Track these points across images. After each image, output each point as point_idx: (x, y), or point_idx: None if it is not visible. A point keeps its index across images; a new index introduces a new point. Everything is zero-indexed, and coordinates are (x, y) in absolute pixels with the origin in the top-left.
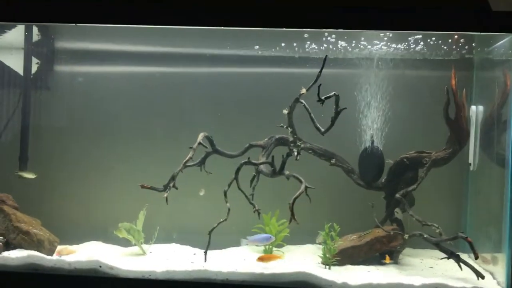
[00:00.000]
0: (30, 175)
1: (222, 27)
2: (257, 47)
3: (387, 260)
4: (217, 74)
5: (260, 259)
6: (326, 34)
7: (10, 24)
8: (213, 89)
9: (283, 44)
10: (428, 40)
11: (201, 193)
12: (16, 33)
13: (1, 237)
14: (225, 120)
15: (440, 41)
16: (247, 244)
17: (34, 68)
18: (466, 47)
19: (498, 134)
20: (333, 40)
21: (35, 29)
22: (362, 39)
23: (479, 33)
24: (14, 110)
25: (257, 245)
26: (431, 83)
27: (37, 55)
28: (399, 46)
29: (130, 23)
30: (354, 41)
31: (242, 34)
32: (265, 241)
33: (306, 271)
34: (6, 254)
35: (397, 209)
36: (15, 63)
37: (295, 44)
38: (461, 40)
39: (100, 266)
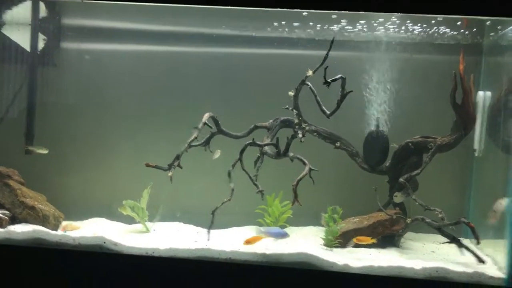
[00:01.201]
0: (42, 150)
1: (236, 7)
2: (269, 29)
3: (362, 240)
4: (224, 55)
5: (247, 242)
6: (334, 16)
7: None
8: (220, 70)
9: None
10: (437, 24)
11: (216, 155)
12: (23, 9)
13: (7, 212)
14: (230, 100)
15: (448, 25)
16: (261, 234)
17: (40, 44)
18: (475, 31)
19: (505, 120)
20: (343, 22)
21: (42, 5)
22: (372, 22)
23: (488, 17)
24: (21, 86)
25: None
26: (438, 67)
27: (44, 31)
28: (407, 29)
29: (137, 1)
30: (362, 24)
31: (251, 14)
32: (280, 237)
33: (308, 252)
34: (11, 228)
35: (396, 193)
36: (22, 38)
37: (302, 25)
38: (470, 24)
39: (104, 242)
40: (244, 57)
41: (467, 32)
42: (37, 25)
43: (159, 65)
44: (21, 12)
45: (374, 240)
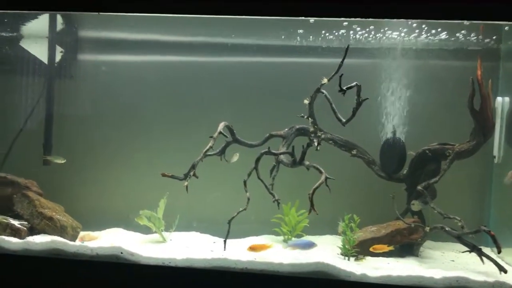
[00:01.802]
0: (59, 160)
1: (248, 16)
2: (283, 37)
3: (378, 249)
4: (238, 64)
5: (251, 248)
6: (346, 23)
7: (34, 13)
8: (234, 79)
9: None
10: (453, 30)
11: (235, 159)
12: (41, 22)
13: (26, 222)
14: (245, 109)
15: (465, 31)
16: (288, 248)
17: (58, 57)
18: (493, 37)
19: None
20: (357, 29)
21: (59, 18)
22: (386, 28)
23: (507, 22)
24: (39, 98)
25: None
26: (455, 73)
27: (61, 44)
28: (423, 35)
29: (152, 12)
30: (377, 30)
31: (265, 23)
32: (307, 247)
33: (325, 261)
34: (30, 239)
35: (413, 201)
36: (40, 51)
37: (319, 33)
38: (487, 30)
39: (122, 253)
40: (258, 65)
41: (483, 38)
42: (54, 38)
43: (174, 75)
44: (39, 25)
45: (391, 248)
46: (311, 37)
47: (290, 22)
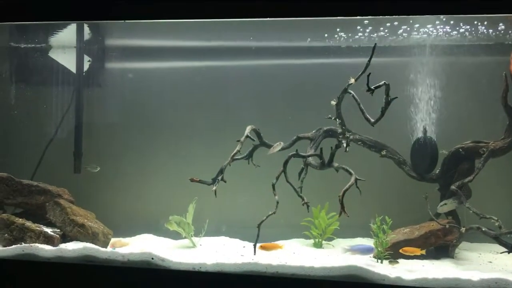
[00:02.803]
0: (93, 169)
1: (274, 18)
2: (309, 39)
3: (409, 251)
4: (264, 67)
5: (262, 247)
6: (374, 22)
7: (62, 23)
8: (261, 82)
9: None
10: (483, 24)
11: (278, 148)
12: (68, 32)
13: (58, 230)
14: (272, 112)
15: (496, 25)
16: (347, 252)
17: (86, 66)
18: None
19: None
20: (385, 27)
21: (86, 28)
22: (417, 25)
23: None
24: (68, 107)
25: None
26: (488, 69)
27: (89, 53)
28: (453, 31)
29: (177, 18)
30: (406, 28)
31: (290, 25)
32: (367, 252)
33: (358, 265)
34: (63, 246)
35: (442, 202)
36: (68, 61)
37: (343, 34)
38: None
39: (152, 258)
40: (284, 67)
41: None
42: (82, 47)
43: (202, 80)
44: (67, 35)
45: (423, 252)
46: (338, 36)
47: (316, 22)
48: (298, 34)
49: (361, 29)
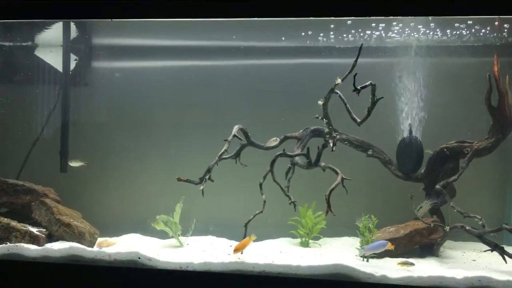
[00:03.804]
0: (79, 163)
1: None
2: (284, 38)
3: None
4: (251, 67)
5: (236, 250)
6: (357, 22)
7: (49, 22)
8: (248, 82)
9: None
10: (468, 26)
11: (274, 143)
12: (55, 31)
13: (44, 230)
14: (259, 112)
15: (481, 27)
16: (364, 254)
17: (72, 65)
18: (509, 31)
19: None
20: (371, 28)
21: (73, 26)
22: (400, 25)
23: None
24: (54, 106)
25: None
26: (472, 70)
27: (75, 51)
28: (438, 32)
29: (165, 17)
30: (391, 28)
31: (278, 25)
32: (382, 248)
33: (344, 263)
34: (48, 245)
35: (425, 202)
36: (54, 60)
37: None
38: (504, 25)
39: (139, 258)
40: (271, 68)
41: (499, 32)
42: (68, 46)
43: (189, 80)
44: (53, 34)
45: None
46: (320, 37)
47: (302, 22)
48: (288, 33)
49: (347, 30)
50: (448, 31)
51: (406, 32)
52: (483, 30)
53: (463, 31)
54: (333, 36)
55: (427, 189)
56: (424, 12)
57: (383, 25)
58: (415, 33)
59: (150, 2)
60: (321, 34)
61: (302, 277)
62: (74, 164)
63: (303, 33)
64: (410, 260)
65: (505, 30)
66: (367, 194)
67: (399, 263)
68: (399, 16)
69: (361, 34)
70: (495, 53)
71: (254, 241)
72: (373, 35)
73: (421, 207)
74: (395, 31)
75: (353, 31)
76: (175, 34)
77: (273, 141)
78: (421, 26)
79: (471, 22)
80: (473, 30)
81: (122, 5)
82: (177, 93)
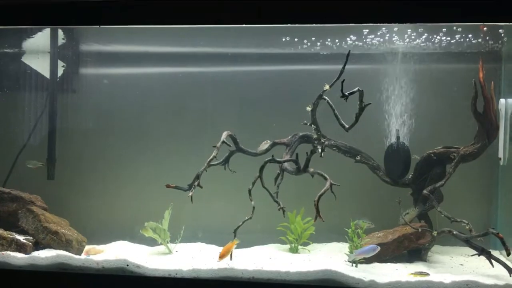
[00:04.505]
0: (35, 165)
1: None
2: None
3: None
4: (239, 73)
5: (221, 256)
6: (346, 29)
7: (36, 28)
8: (236, 88)
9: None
10: (454, 32)
11: (265, 146)
12: (42, 37)
13: (31, 237)
14: (248, 118)
15: (466, 33)
16: (354, 259)
17: (60, 71)
18: (494, 38)
19: None
20: (356, 35)
21: (60, 33)
22: (386, 32)
23: (506, 23)
24: (41, 113)
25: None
26: (458, 76)
27: (63, 58)
28: (423, 39)
29: (153, 24)
30: (377, 36)
31: (265, 31)
32: (372, 252)
33: (333, 269)
34: (35, 254)
35: (412, 209)
36: (42, 66)
37: (318, 41)
38: (488, 31)
39: (127, 265)
40: (259, 74)
41: (484, 39)
42: (56, 53)
43: (177, 86)
44: (40, 40)
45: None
46: (310, 43)
47: (292, 29)
48: (274, 40)
49: (334, 37)
50: (434, 37)
51: (392, 38)
52: (469, 36)
53: (448, 38)
54: (319, 43)
55: (415, 194)
56: (410, 19)
57: (367, 30)
58: (400, 40)
59: (139, 8)
60: (312, 39)
61: (291, 283)
62: (31, 165)
63: (296, 39)
64: (399, 265)
65: (490, 37)
66: (356, 199)
67: (412, 273)
68: (386, 23)
69: (346, 40)
70: (480, 60)
71: (243, 247)
72: (360, 41)
73: (407, 213)
74: (380, 37)
75: (340, 38)
76: (163, 41)
77: (265, 144)
78: (408, 32)
79: (457, 28)
80: (458, 36)
81: (110, 11)
82: (166, 99)
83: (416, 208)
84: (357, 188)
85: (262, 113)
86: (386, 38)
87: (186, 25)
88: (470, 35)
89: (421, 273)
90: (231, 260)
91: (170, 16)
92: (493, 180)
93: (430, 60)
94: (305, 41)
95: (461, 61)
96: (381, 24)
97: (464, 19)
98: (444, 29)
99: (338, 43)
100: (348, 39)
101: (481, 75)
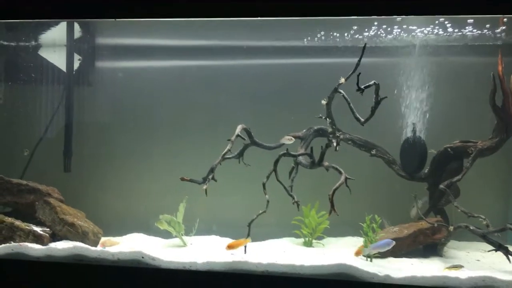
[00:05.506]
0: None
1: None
2: (306, 39)
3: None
4: (254, 66)
5: (229, 247)
6: (363, 22)
7: (52, 21)
8: (251, 81)
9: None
10: (473, 25)
11: (288, 142)
12: (59, 31)
13: (48, 229)
14: (263, 111)
15: (486, 26)
16: (369, 253)
17: (76, 65)
18: None
19: None
20: (375, 28)
21: (76, 26)
22: (404, 26)
23: None
24: (58, 106)
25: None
26: (476, 69)
27: (79, 51)
28: (443, 31)
29: (168, 17)
30: (396, 28)
31: (280, 24)
32: (387, 246)
33: (347, 263)
34: (52, 245)
35: (417, 201)
36: (58, 60)
37: (336, 33)
38: (508, 23)
39: (143, 257)
40: (275, 67)
41: (504, 31)
42: (72, 46)
43: (192, 79)
44: (57, 34)
45: None
46: (321, 36)
47: (308, 22)
48: (293, 33)
49: (353, 29)
50: (452, 30)
51: (409, 31)
52: (487, 29)
53: (467, 30)
54: (338, 35)
55: (431, 188)
56: (428, 11)
57: (384, 26)
58: (418, 32)
59: (153, 2)
60: (334, 33)
61: (305, 277)
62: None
63: (310, 34)
64: (414, 260)
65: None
66: (371, 194)
67: (447, 268)
68: (402, 15)
69: (363, 33)
70: (499, 53)
71: (258, 240)
72: (377, 34)
73: (413, 207)
74: (397, 30)
75: (354, 29)
76: (178, 34)
77: (287, 139)
78: (422, 25)
79: (475, 20)
80: (477, 29)
81: (126, 5)
82: (180, 92)
83: (421, 200)
84: (372, 182)
85: (277, 106)
86: (403, 30)
87: (204, 18)
88: (489, 28)
89: (455, 266)
90: (245, 253)
91: (188, 10)
92: (511, 175)
93: (448, 53)
94: (322, 33)
95: (480, 53)
96: (398, 16)
97: (485, 11)
98: (470, 20)
99: (355, 35)
100: (365, 32)
101: (500, 68)
